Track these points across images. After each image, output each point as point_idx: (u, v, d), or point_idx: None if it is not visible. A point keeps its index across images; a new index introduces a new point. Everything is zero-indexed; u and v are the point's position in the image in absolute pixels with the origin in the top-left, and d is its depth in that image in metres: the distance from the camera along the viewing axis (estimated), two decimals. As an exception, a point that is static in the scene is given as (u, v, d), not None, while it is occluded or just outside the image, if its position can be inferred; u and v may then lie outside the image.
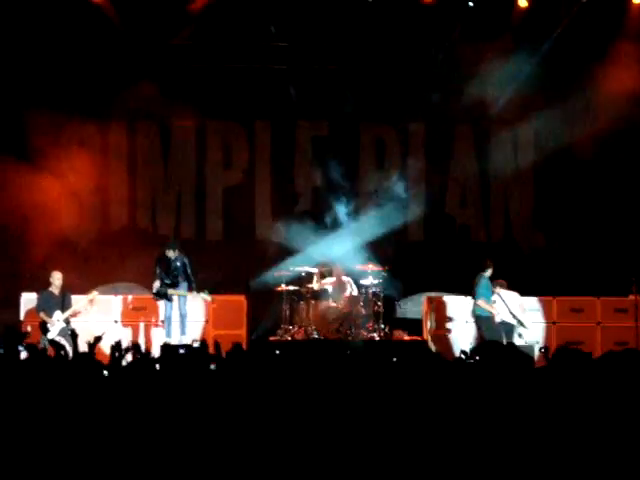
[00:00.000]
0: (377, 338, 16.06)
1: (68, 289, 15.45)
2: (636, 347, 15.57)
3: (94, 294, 15.48)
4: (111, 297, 16.56)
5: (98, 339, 9.39)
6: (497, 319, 15.45)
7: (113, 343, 8.45)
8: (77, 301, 15.39)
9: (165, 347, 14.34)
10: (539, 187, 18.36)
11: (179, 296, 15.53)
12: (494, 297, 15.51)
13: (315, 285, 16.59)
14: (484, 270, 15.51)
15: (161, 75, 17.69)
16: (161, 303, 15.77)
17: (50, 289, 15.34)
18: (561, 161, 17.96)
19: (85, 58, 17.34)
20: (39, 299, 15.38)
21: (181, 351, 10.59)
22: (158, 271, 15.54)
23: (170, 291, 15.48)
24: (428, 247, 18.07)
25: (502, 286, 15.65)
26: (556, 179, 18.15)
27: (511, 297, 15.70)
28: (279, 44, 17.57)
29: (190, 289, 15.54)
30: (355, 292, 16.62)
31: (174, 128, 18.29)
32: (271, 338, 16.05)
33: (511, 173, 18.39)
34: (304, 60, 17.73)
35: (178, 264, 15.53)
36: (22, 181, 17.40)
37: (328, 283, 16.70)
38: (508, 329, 15.52)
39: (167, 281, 15.49)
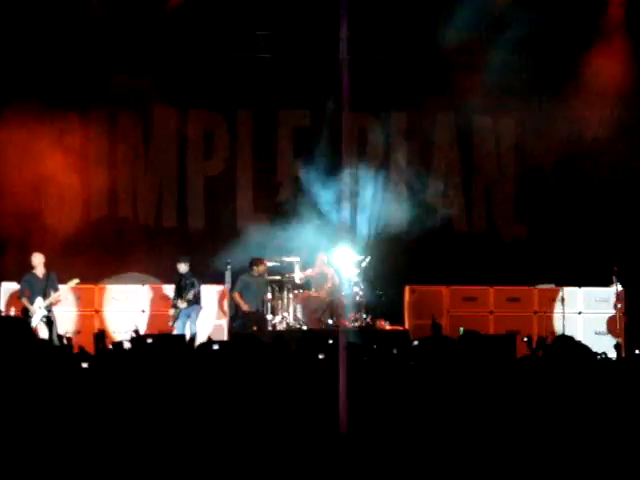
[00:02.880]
0: (359, 328, 16.07)
1: (52, 269, 15.32)
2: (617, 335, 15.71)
3: (75, 282, 15.36)
4: (92, 287, 16.49)
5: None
6: None
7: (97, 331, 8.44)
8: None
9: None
10: (521, 178, 18.36)
11: (185, 312, 15.43)
12: None
13: (296, 275, 16.57)
14: None
15: (142, 64, 17.59)
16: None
17: (34, 272, 15.20)
18: (543, 151, 17.98)
19: (66, 47, 17.25)
20: (22, 284, 15.23)
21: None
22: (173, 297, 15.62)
23: (179, 303, 15.43)
24: (410, 237, 18.02)
25: None
26: (538, 169, 18.16)
27: None
28: (262, 33, 17.51)
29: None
30: (337, 282, 16.61)
31: (155, 117, 18.19)
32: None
33: (493, 163, 18.40)
34: (287, 49, 17.67)
35: (187, 282, 15.46)
36: (0, 171, 17.33)
37: (310, 273, 16.69)
38: None
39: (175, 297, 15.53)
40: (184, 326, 15.37)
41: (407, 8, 17.36)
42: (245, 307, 15.89)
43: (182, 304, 15.36)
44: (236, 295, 16.01)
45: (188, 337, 14.92)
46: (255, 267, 16.04)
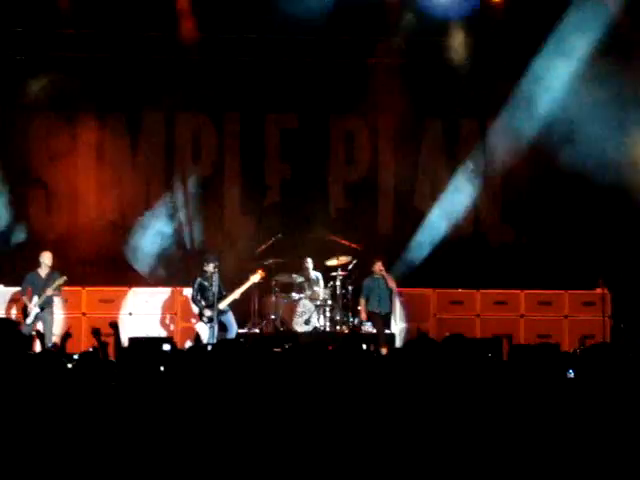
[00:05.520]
0: (346, 331, 16.13)
1: (57, 270, 15.36)
2: (603, 339, 15.72)
3: (63, 279, 15.33)
4: (79, 289, 16.49)
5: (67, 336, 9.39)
6: None
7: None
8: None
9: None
10: (507, 181, 18.38)
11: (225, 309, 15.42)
12: None
13: (284, 278, 16.59)
14: None
15: (131, 67, 17.62)
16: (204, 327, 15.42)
17: (38, 270, 15.27)
18: (529, 156, 17.99)
19: (54, 49, 17.27)
20: (24, 282, 15.29)
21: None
22: (200, 296, 15.38)
23: (221, 305, 15.35)
24: (397, 240, 18.05)
25: None
26: (524, 174, 18.18)
27: None
28: (248, 36, 17.55)
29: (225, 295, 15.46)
30: (321, 284, 16.66)
31: (143, 120, 18.19)
32: (239, 331, 16.03)
33: (480, 167, 18.41)
34: (274, 52, 17.71)
35: (216, 280, 15.35)
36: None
37: (297, 276, 16.71)
38: None
39: (211, 299, 15.31)
40: (214, 328, 15.26)
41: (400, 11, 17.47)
42: (363, 315, 16.00)
43: (221, 305, 15.34)
44: (362, 302, 16.03)
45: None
46: (372, 268, 16.08)
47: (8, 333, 5.69)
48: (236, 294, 15.43)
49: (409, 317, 16.74)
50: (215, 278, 15.31)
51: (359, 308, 16.09)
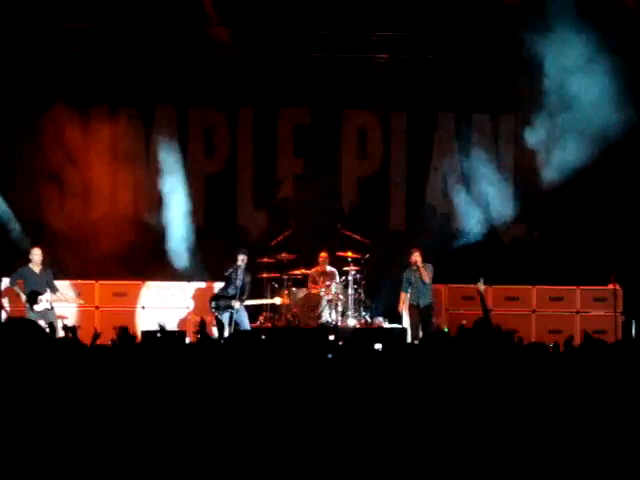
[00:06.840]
0: (358, 325, 16.16)
1: (50, 267, 15.41)
2: (615, 336, 15.73)
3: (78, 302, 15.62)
4: (91, 282, 16.57)
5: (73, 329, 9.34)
6: None
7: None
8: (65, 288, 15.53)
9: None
10: (520, 176, 18.37)
11: (239, 309, 15.49)
12: None
13: (297, 272, 16.65)
14: None
15: (143, 62, 17.66)
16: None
17: (30, 266, 15.20)
18: (542, 150, 17.97)
19: (67, 43, 17.32)
20: (14, 275, 15.16)
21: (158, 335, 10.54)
22: (224, 285, 15.64)
23: (233, 302, 15.45)
24: (409, 236, 18.06)
25: None
26: (537, 169, 18.16)
27: None
28: (262, 31, 17.58)
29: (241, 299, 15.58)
30: (337, 279, 16.70)
31: (156, 115, 18.22)
32: (252, 325, 16.08)
33: (492, 162, 18.39)
34: (287, 47, 17.73)
35: (241, 274, 15.53)
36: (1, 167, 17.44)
37: (310, 270, 16.75)
38: None
39: (230, 292, 15.48)
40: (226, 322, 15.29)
41: (411, 7, 17.45)
42: (400, 307, 15.87)
43: (237, 304, 15.46)
44: (402, 295, 15.87)
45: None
46: (409, 259, 15.84)
47: (31, 335, 5.70)
48: (253, 302, 15.64)
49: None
50: (240, 272, 15.47)
51: (400, 300, 15.84)
